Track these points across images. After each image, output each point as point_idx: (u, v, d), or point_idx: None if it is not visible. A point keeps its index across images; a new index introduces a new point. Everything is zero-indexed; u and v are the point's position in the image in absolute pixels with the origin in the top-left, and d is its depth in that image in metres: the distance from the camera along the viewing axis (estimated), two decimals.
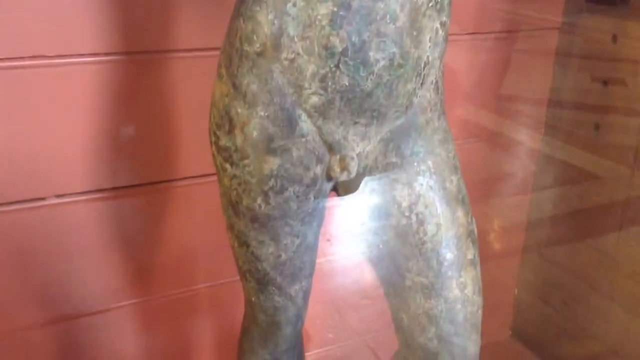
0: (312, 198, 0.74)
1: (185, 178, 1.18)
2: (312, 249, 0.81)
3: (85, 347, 1.20)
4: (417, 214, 0.72)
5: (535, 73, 1.55)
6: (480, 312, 0.76)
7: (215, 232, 1.13)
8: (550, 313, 1.63)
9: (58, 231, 1.11)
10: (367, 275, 1.47)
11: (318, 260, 1.41)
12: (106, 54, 1.04)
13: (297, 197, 0.73)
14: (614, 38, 1.38)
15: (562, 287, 1.59)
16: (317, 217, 0.78)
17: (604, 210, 1.47)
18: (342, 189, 0.77)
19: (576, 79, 1.50)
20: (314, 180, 0.73)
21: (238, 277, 0.87)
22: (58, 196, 1.09)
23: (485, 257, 1.62)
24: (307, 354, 1.47)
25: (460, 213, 0.74)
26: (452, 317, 0.73)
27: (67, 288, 1.15)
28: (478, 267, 0.76)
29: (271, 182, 0.71)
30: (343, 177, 0.73)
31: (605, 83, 1.42)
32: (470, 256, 0.74)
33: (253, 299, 0.84)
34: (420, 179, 0.73)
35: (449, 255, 0.73)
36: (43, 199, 1.08)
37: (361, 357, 1.56)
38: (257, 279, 0.81)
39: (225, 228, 0.81)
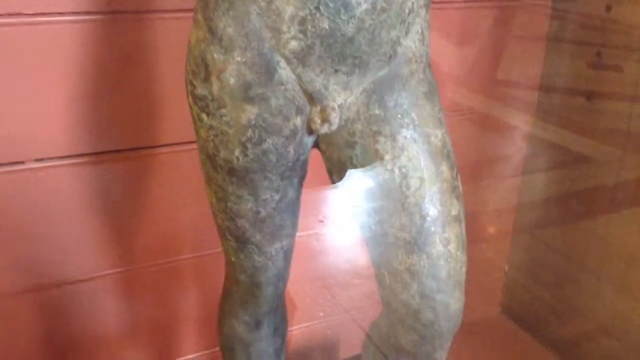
0: (292, 151, 0.72)
1: (169, 145, 1.16)
2: (293, 207, 0.79)
3: (66, 315, 1.18)
4: (400, 168, 0.70)
5: (527, 55, 1.54)
6: (464, 269, 0.74)
7: (200, 202, 1.11)
8: (540, 293, 1.63)
9: (38, 197, 1.08)
10: (359, 255, 1.46)
11: (308, 238, 1.41)
12: (87, 13, 1.01)
13: (277, 149, 0.70)
14: (608, 8, 1.37)
15: (552, 268, 1.59)
16: (298, 172, 0.76)
17: (594, 192, 1.47)
18: (324, 143, 0.75)
19: (568, 61, 1.49)
20: (294, 132, 0.70)
21: (222, 249, 0.86)
22: (37, 160, 1.07)
23: (476, 239, 1.63)
24: (294, 327, 1.45)
25: (444, 167, 0.72)
26: (435, 274, 0.71)
27: (47, 255, 1.13)
28: (463, 224, 0.74)
29: (249, 133, 0.69)
30: (324, 129, 0.71)
31: (596, 68, 1.41)
32: (454, 212, 0.72)
33: (233, 258, 0.82)
34: (404, 131, 0.70)
35: (432, 210, 0.71)
36: (22, 162, 1.05)
37: (349, 333, 1.54)
38: (236, 237, 0.78)
39: (203, 183, 0.79)
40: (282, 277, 0.84)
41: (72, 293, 1.17)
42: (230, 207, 0.75)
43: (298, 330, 1.47)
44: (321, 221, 1.43)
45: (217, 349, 1.36)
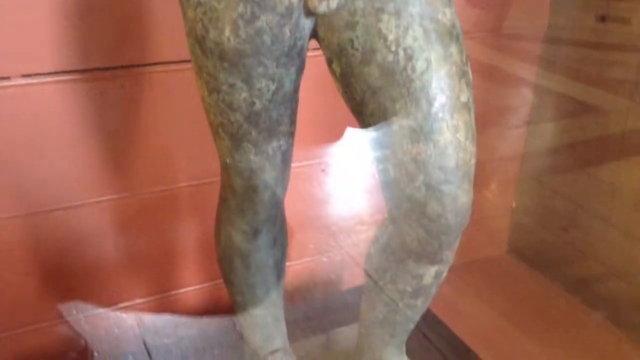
0: (288, 33, 0.67)
1: (162, 63, 1.11)
2: (291, 101, 0.74)
3: (59, 243, 1.15)
4: (404, 49, 0.65)
5: (533, 7, 1.51)
6: (473, 161, 0.69)
7: (196, 125, 1.07)
8: (547, 236, 1.62)
9: (26, 115, 1.04)
10: (364, 203, 1.42)
11: (311, 185, 1.38)
12: None
13: (271, 29, 0.65)
14: None
15: (559, 213, 1.58)
16: (295, 61, 0.71)
17: (602, 140, 1.46)
18: (323, 27, 0.69)
19: (575, 14, 1.47)
20: (290, 10, 0.65)
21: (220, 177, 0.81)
22: (25, 76, 1.02)
23: (482, 185, 1.60)
24: (295, 262, 1.42)
25: (453, 50, 0.66)
26: (442, 163, 0.66)
27: (36, 178, 1.09)
28: (472, 113, 0.69)
29: (240, 8, 0.63)
30: (322, 7, 0.65)
31: (603, 19, 1.40)
32: (463, 99, 0.67)
33: (228, 160, 0.77)
34: (410, 7, 0.64)
35: (439, 95, 0.65)
36: (8, 78, 1.00)
37: (351, 270, 1.51)
38: (231, 134, 0.74)
39: (194, 78, 0.73)
40: (280, 181, 0.80)
41: (64, 219, 1.13)
42: (222, 99, 0.70)
43: (300, 265, 1.44)
44: (323, 170, 1.40)
45: (218, 281, 1.34)
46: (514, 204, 1.69)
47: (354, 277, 1.48)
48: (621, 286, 1.44)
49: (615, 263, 1.45)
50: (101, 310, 1.24)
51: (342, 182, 1.41)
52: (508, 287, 1.58)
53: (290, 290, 1.38)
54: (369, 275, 0.81)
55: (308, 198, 1.39)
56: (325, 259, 1.52)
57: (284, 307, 0.97)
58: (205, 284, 1.34)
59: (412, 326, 0.85)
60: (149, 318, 1.31)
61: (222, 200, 0.85)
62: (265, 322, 0.93)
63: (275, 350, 0.94)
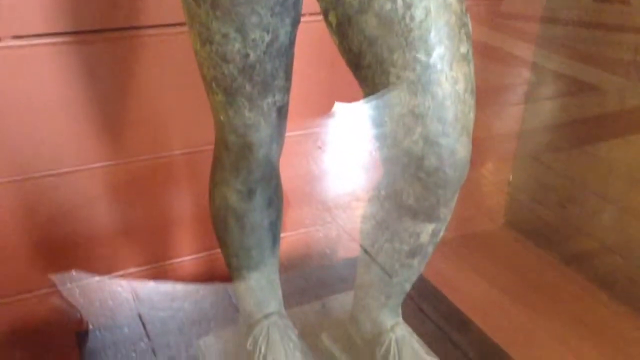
0: None
1: (155, 26, 1.09)
2: (286, 54, 0.73)
3: (53, 209, 1.13)
4: None
5: None
6: (472, 115, 0.68)
7: (191, 91, 1.05)
8: (544, 212, 1.62)
9: (16, 77, 1.02)
10: (360, 179, 1.41)
11: (308, 162, 1.36)
12: None
13: None
14: None
15: (556, 189, 1.58)
16: (290, 12, 0.69)
17: (598, 119, 1.46)
18: None
19: None
20: None
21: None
22: (15, 37, 1.00)
23: (479, 163, 1.60)
24: (290, 233, 1.41)
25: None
26: (440, 116, 0.65)
27: (29, 143, 1.07)
28: (471, 66, 0.67)
29: None
30: None
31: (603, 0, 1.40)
32: (463, 50, 0.65)
33: (222, 117, 0.76)
34: None
35: (438, 45, 0.64)
36: None
37: (346, 243, 1.50)
38: (224, 89, 0.72)
39: (187, 30, 0.72)
40: (275, 139, 0.78)
41: (56, 186, 1.12)
42: (215, 50, 0.69)
43: (295, 237, 1.43)
44: (319, 147, 1.38)
45: (213, 251, 1.33)
46: (511, 178, 1.68)
47: (349, 252, 1.47)
48: (617, 261, 1.45)
49: (612, 239, 1.45)
50: (95, 279, 1.23)
51: (339, 159, 1.40)
52: (504, 260, 1.58)
53: (285, 261, 1.37)
54: (365, 235, 0.80)
55: (304, 174, 1.38)
56: (320, 234, 1.51)
57: (279, 276, 0.96)
58: (201, 254, 1.33)
59: (408, 287, 0.84)
60: (144, 290, 1.30)
61: (216, 159, 0.84)
62: (260, 285, 0.92)
63: (270, 314, 0.93)
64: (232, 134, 0.77)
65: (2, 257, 1.12)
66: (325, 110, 1.27)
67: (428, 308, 1.30)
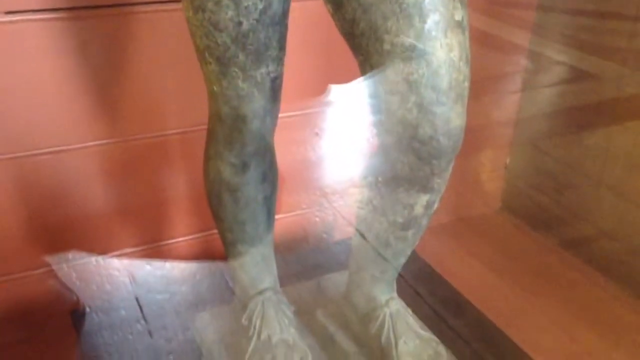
0: None
1: (150, 2, 1.08)
2: (280, 23, 0.72)
3: (47, 188, 1.13)
4: None
5: None
6: (466, 84, 0.67)
7: (187, 70, 1.04)
8: (541, 198, 1.62)
9: (10, 54, 1.01)
10: (356, 165, 1.41)
11: (305, 148, 1.36)
12: None
13: None
14: None
15: (554, 176, 1.58)
16: None
17: (596, 106, 1.46)
18: None
19: None
20: None
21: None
22: (8, 13, 0.99)
23: (476, 149, 1.60)
24: (286, 215, 1.41)
25: None
26: (435, 83, 0.64)
27: (22, 120, 1.06)
28: (466, 33, 0.67)
29: None
30: None
31: None
32: (457, 17, 0.65)
33: (215, 88, 0.75)
34: None
35: (433, 12, 0.63)
36: None
37: (340, 230, 1.50)
38: (218, 58, 0.72)
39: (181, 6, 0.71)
40: (268, 112, 0.78)
41: (50, 164, 1.11)
42: (208, 18, 0.68)
43: (292, 218, 1.43)
44: (317, 134, 1.38)
45: (209, 232, 1.33)
46: (508, 161, 1.68)
47: (345, 235, 1.47)
48: (614, 245, 1.45)
49: (609, 224, 1.45)
50: (92, 260, 1.23)
51: (336, 145, 1.40)
52: (501, 244, 1.58)
53: (281, 243, 1.37)
54: (359, 208, 0.80)
55: (302, 160, 1.37)
56: (317, 218, 1.51)
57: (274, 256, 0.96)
58: (197, 235, 1.32)
59: (402, 261, 0.84)
60: (141, 273, 1.30)
61: (210, 132, 0.84)
62: (255, 260, 0.92)
63: (265, 289, 0.93)
64: (225, 105, 0.76)
65: None
66: (321, 91, 1.27)
67: (424, 291, 1.30)
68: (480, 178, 1.69)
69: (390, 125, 0.68)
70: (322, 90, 1.22)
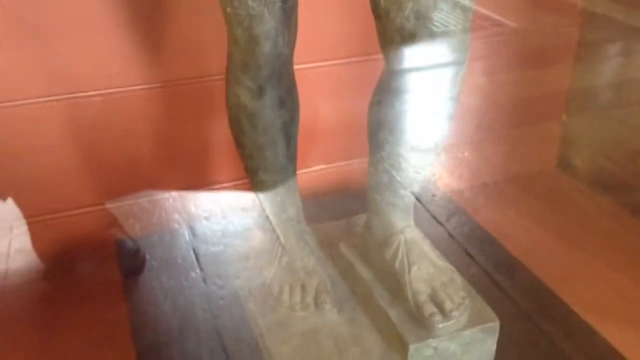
0: None
1: None
2: None
3: (96, 129, 1.19)
4: None
5: None
6: None
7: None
8: (604, 161, 1.54)
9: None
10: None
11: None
12: None
13: None
14: None
15: (617, 140, 1.51)
16: None
17: None
18: None
19: None
20: None
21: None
22: None
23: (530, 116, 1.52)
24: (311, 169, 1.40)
25: None
26: None
27: (73, 61, 1.12)
28: None
29: None
30: None
31: None
32: None
33: (228, 9, 0.78)
34: None
35: None
36: None
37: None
38: None
39: None
40: (281, 33, 0.79)
41: (101, 106, 1.17)
42: None
43: (317, 172, 1.42)
44: None
45: None
46: (564, 118, 1.60)
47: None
48: None
49: None
50: (143, 200, 1.28)
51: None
52: (556, 205, 1.51)
53: (310, 192, 1.36)
54: (371, 130, 0.80)
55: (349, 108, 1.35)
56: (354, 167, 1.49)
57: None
58: (241, 181, 1.35)
59: (416, 188, 0.83)
60: (200, 227, 1.34)
61: (229, 57, 0.86)
62: (277, 189, 0.94)
63: (289, 218, 0.95)
64: (238, 26, 0.78)
65: (51, 174, 1.19)
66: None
67: (475, 251, 1.26)
68: (536, 136, 1.62)
69: (390, 36, 0.68)
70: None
